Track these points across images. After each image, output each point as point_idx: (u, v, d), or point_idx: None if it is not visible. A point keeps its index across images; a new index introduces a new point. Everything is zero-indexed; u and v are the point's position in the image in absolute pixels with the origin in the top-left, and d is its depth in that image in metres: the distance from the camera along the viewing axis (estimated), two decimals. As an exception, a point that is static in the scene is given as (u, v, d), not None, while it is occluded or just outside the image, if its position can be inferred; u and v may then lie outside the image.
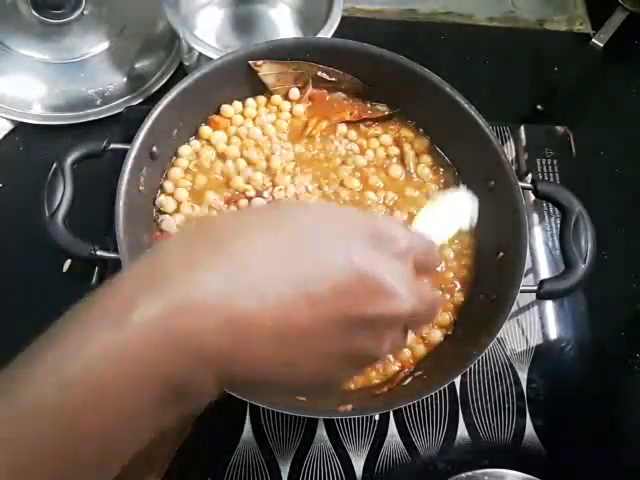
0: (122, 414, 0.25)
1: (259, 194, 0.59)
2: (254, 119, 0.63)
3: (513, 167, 0.57)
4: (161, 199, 0.59)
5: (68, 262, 0.62)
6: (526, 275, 0.64)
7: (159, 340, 0.24)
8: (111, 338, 0.24)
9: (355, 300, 0.27)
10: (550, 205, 0.69)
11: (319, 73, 0.63)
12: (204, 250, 0.26)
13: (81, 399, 0.24)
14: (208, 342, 0.25)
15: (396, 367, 0.54)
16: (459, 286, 0.58)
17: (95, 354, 0.24)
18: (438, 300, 0.32)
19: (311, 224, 0.28)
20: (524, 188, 0.57)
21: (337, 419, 0.57)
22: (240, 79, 0.61)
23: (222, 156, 0.62)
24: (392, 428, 0.58)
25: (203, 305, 0.25)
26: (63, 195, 0.52)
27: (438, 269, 0.33)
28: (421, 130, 0.64)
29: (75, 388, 0.24)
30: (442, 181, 0.63)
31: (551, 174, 0.72)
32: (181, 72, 0.75)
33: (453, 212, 0.51)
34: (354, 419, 0.58)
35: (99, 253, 0.52)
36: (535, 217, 0.70)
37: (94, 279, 0.61)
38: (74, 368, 0.24)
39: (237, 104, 0.63)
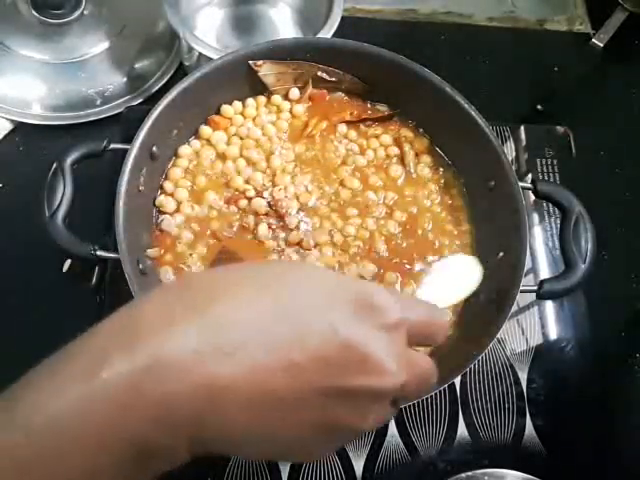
0: (86, 470, 0.24)
1: (259, 194, 0.59)
2: (254, 119, 0.63)
3: (513, 167, 0.57)
4: (161, 199, 0.59)
5: (68, 262, 0.62)
6: (526, 275, 0.64)
7: (126, 400, 0.24)
8: (79, 394, 0.24)
9: (337, 371, 0.26)
10: (550, 205, 0.69)
11: (319, 73, 0.63)
12: (181, 310, 0.26)
13: (46, 450, 0.24)
14: (179, 406, 0.24)
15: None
16: (459, 286, 0.58)
17: (62, 408, 0.24)
18: (431, 374, 0.31)
19: (296, 289, 0.27)
20: (524, 188, 0.57)
21: (337, 419, 0.57)
22: (240, 79, 0.61)
23: (222, 156, 0.62)
24: (392, 428, 0.58)
25: (175, 367, 0.24)
26: (63, 195, 0.52)
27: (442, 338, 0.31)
28: (421, 130, 0.64)
29: (41, 438, 0.24)
30: (442, 181, 0.63)
31: (551, 174, 0.72)
32: (181, 72, 0.75)
33: (457, 278, 0.51)
34: (354, 419, 0.58)
35: (99, 253, 0.52)
36: (535, 217, 0.70)
37: (94, 279, 0.61)
38: (41, 419, 0.24)
39: (237, 104, 0.63)
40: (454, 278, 0.52)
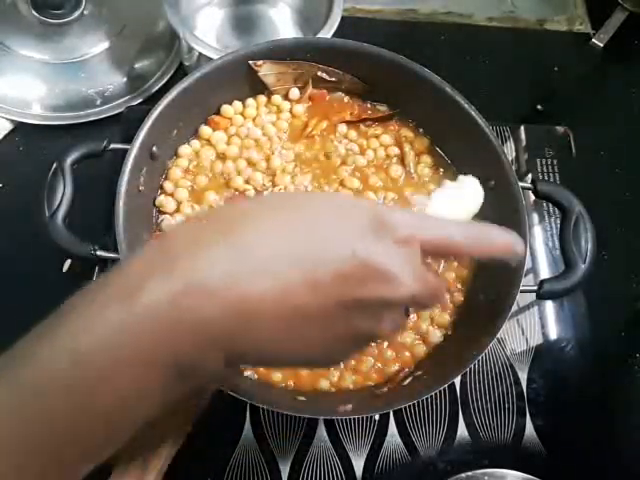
0: (133, 390, 0.26)
1: (259, 194, 0.59)
2: (254, 119, 0.63)
3: (513, 167, 0.57)
4: (161, 199, 0.59)
5: (68, 262, 0.62)
6: (526, 275, 0.64)
7: (166, 321, 0.25)
8: (121, 317, 0.25)
9: (355, 285, 0.28)
10: (550, 205, 0.69)
11: (319, 73, 0.63)
12: (211, 234, 0.27)
13: (95, 374, 0.25)
14: (214, 323, 0.26)
15: (396, 367, 0.55)
16: (459, 286, 0.58)
17: (107, 331, 0.25)
18: (442, 287, 0.33)
19: (316, 212, 0.29)
20: (524, 188, 0.57)
21: (337, 419, 0.57)
22: (240, 79, 0.61)
23: (222, 156, 0.62)
24: (392, 428, 0.58)
25: (209, 288, 0.26)
26: (63, 195, 0.52)
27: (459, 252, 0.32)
28: (421, 130, 0.64)
29: (89, 364, 0.25)
30: (442, 181, 0.62)
31: (551, 174, 0.72)
32: (181, 72, 0.75)
33: (462, 198, 0.51)
34: (354, 419, 0.58)
35: (99, 253, 0.52)
36: (535, 217, 0.70)
37: (94, 279, 0.61)
38: (87, 344, 0.25)
39: (237, 104, 0.63)
40: (458, 200, 0.52)
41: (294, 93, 0.64)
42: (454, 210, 0.49)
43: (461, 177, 0.53)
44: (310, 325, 0.28)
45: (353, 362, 0.54)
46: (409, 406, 0.59)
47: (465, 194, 0.51)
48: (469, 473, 0.56)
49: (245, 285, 0.26)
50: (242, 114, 0.63)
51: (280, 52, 0.61)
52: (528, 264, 0.64)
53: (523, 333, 0.64)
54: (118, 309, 0.25)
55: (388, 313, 0.30)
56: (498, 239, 0.33)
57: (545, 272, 0.67)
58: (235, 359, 0.28)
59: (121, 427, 0.27)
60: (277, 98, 0.64)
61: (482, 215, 0.60)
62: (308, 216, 0.29)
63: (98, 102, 0.72)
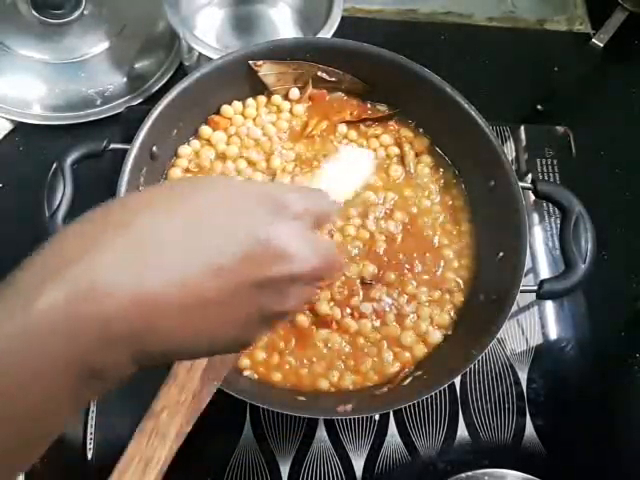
0: (42, 397, 0.25)
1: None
2: (254, 119, 0.63)
3: (513, 167, 0.57)
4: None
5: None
6: (526, 275, 0.64)
7: (66, 327, 0.24)
8: (16, 329, 0.24)
9: (258, 266, 0.28)
10: (550, 205, 0.69)
11: (319, 73, 0.63)
12: (105, 233, 0.27)
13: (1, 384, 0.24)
14: (115, 323, 0.25)
15: (396, 367, 0.55)
16: (459, 286, 0.58)
17: (6, 342, 0.24)
18: (337, 258, 0.35)
19: (213, 199, 0.29)
20: (524, 188, 0.57)
21: (337, 419, 0.57)
22: (240, 79, 0.61)
23: (222, 156, 0.62)
24: (392, 428, 0.58)
25: (106, 287, 0.25)
26: (63, 195, 0.52)
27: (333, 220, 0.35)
28: (421, 130, 0.64)
29: None
30: (442, 181, 0.63)
31: (551, 174, 0.72)
32: (181, 72, 0.75)
33: (352, 168, 0.53)
34: (354, 419, 0.58)
35: (99, 253, 0.52)
36: (535, 217, 0.70)
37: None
38: None
39: (237, 104, 0.63)
40: (349, 170, 0.55)
41: (294, 93, 0.64)
42: (347, 179, 0.52)
43: (349, 148, 0.54)
44: (217, 312, 0.28)
45: (353, 362, 0.54)
46: (409, 406, 0.59)
47: (355, 163, 0.53)
48: (469, 473, 0.56)
49: (143, 281, 0.25)
50: (242, 114, 0.63)
51: (280, 52, 0.61)
52: (528, 264, 0.64)
53: (523, 333, 0.64)
54: (13, 321, 0.24)
55: (293, 289, 0.30)
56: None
57: (545, 272, 0.67)
58: (145, 356, 0.27)
59: (34, 436, 0.26)
60: (277, 98, 0.64)
61: (482, 215, 0.60)
62: (205, 204, 0.29)
63: (98, 102, 0.72)
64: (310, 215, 0.31)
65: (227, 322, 0.29)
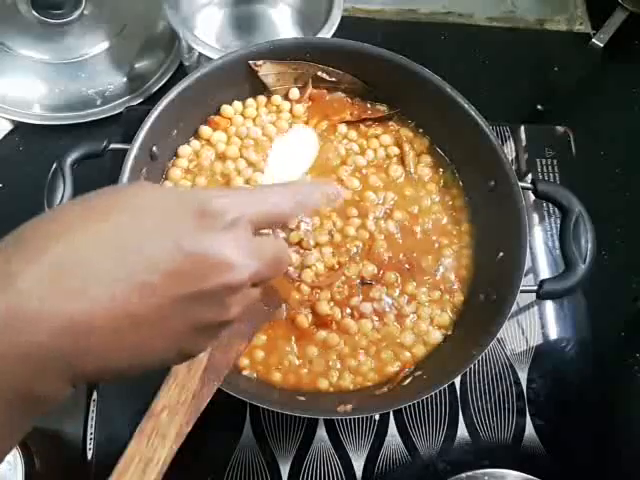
0: None
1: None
2: (254, 119, 0.63)
3: (513, 167, 0.57)
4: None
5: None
6: (526, 275, 0.64)
7: None
8: None
9: (190, 280, 0.27)
10: (550, 205, 0.69)
11: (319, 73, 0.63)
12: (18, 261, 0.26)
13: None
14: (44, 349, 0.25)
15: (396, 367, 0.55)
16: (459, 286, 0.58)
17: None
18: (281, 253, 0.34)
19: (135, 213, 0.28)
20: (524, 188, 0.57)
21: (337, 419, 0.57)
22: (240, 79, 0.61)
23: (222, 156, 0.62)
24: (392, 428, 0.58)
25: (30, 314, 0.24)
26: (63, 195, 0.52)
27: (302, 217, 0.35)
28: (421, 130, 0.64)
29: None
30: (442, 181, 0.63)
31: (551, 174, 0.72)
32: (181, 72, 0.75)
33: (299, 149, 0.55)
34: (354, 419, 0.58)
35: (99, 253, 0.52)
36: (535, 217, 0.70)
37: None
38: None
39: (237, 104, 0.63)
40: (295, 151, 0.55)
41: (294, 93, 0.64)
42: (292, 162, 0.52)
43: (294, 130, 0.56)
44: (150, 328, 0.27)
45: (352, 362, 0.54)
46: (409, 406, 0.59)
47: (300, 146, 0.53)
48: (469, 473, 0.56)
49: (69, 304, 0.25)
50: (242, 114, 0.63)
51: (280, 52, 0.61)
52: (528, 264, 0.64)
53: (523, 333, 0.64)
54: None
55: (234, 297, 0.29)
56: (317, 195, 0.35)
57: (545, 272, 0.67)
58: (81, 377, 0.27)
59: None
60: (277, 98, 0.64)
61: (482, 215, 0.60)
62: (128, 217, 0.28)
63: (98, 102, 0.72)
64: (247, 219, 0.30)
65: (163, 337, 0.28)
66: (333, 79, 0.63)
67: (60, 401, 0.27)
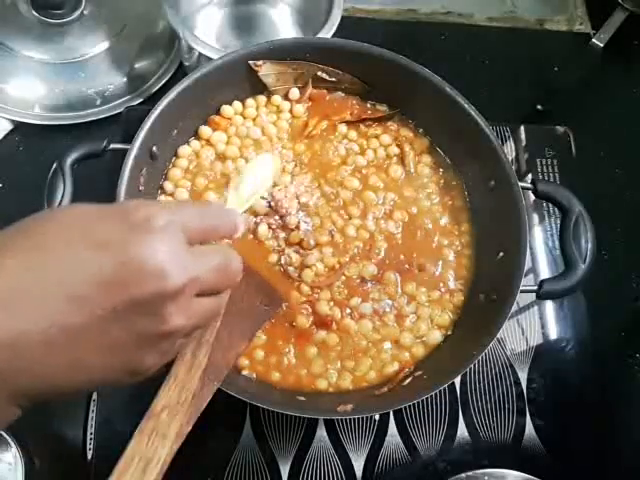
0: None
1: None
2: (254, 119, 0.63)
3: (513, 167, 0.57)
4: (161, 199, 0.59)
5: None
6: (526, 275, 0.64)
7: None
8: None
9: (120, 289, 0.27)
10: (550, 205, 0.69)
11: (319, 73, 0.63)
12: None
13: None
14: None
15: (396, 367, 0.55)
16: (459, 286, 0.58)
17: None
18: (226, 260, 0.32)
19: (59, 233, 0.28)
20: (524, 188, 0.57)
21: (337, 419, 0.57)
22: (240, 79, 0.61)
23: (222, 156, 0.62)
24: (392, 428, 0.58)
25: None
26: (63, 195, 0.52)
27: (240, 232, 0.35)
28: (421, 130, 0.64)
29: None
30: (442, 181, 0.63)
31: (551, 174, 0.72)
32: (181, 72, 0.76)
33: (258, 175, 0.57)
34: (354, 419, 0.58)
35: (99, 253, 0.52)
36: (535, 217, 0.70)
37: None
38: None
39: (237, 104, 0.63)
40: (256, 176, 0.57)
41: (294, 93, 0.64)
42: (250, 190, 0.54)
43: (256, 159, 0.59)
44: (86, 342, 0.27)
45: (352, 362, 0.54)
46: (409, 406, 0.59)
47: (259, 172, 0.57)
48: (469, 473, 0.56)
49: (4, 325, 0.25)
50: (242, 114, 0.63)
51: (280, 52, 0.61)
52: (528, 264, 0.64)
53: (523, 333, 0.64)
54: None
55: (169, 305, 0.28)
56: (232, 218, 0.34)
57: (545, 272, 0.67)
58: (24, 398, 0.27)
59: None
60: (277, 98, 0.64)
61: (482, 215, 0.60)
62: (52, 237, 0.27)
63: (98, 102, 0.72)
64: (177, 225, 0.29)
65: (102, 350, 0.28)
66: (333, 79, 0.63)
67: (7, 423, 0.27)
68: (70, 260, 0.27)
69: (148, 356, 0.30)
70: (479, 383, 0.61)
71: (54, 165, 0.53)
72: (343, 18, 0.69)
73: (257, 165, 0.59)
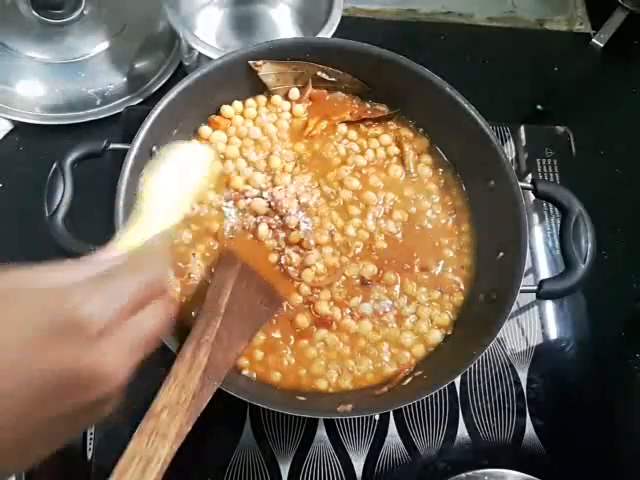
0: None
1: (259, 194, 0.59)
2: (254, 119, 0.63)
3: (513, 167, 0.57)
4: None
5: (68, 262, 0.62)
6: (526, 275, 0.64)
7: None
8: None
9: (54, 401, 0.27)
10: (550, 205, 0.69)
11: (319, 73, 0.63)
12: None
13: None
14: None
15: (395, 367, 0.54)
16: (459, 286, 0.58)
17: None
18: (153, 327, 0.32)
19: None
20: (524, 188, 0.57)
21: (337, 419, 0.57)
22: (240, 79, 0.61)
23: (222, 156, 0.62)
24: (392, 428, 0.58)
25: None
26: (63, 195, 0.52)
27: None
28: (421, 130, 0.64)
29: None
30: (442, 181, 0.63)
31: (551, 174, 0.72)
32: (181, 72, 0.76)
33: (189, 167, 0.50)
34: (354, 419, 0.58)
35: (99, 253, 0.52)
36: (535, 217, 0.70)
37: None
38: None
39: (237, 104, 0.63)
40: (186, 167, 0.50)
41: (294, 93, 0.64)
42: (182, 185, 0.48)
43: (184, 146, 0.55)
44: (23, 443, 0.27)
45: (352, 363, 0.54)
46: (409, 406, 0.59)
47: (191, 164, 0.50)
48: (469, 473, 0.56)
49: None
50: (242, 114, 0.63)
51: (280, 52, 0.61)
52: (528, 264, 0.64)
53: (523, 333, 0.64)
54: None
55: (106, 401, 0.29)
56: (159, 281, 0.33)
57: (545, 272, 0.67)
58: None
59: None
60: (277, 98, 0.64)
61: (482, 215, 0.60)
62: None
63: (98, 102, 0.72)
64: (121, 317, 0.29)
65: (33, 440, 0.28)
66: (333, 79, 0.63)
67: None
68: (6, 364, 0.26)
69: (82, 425, 0.31)
70: (479, 383, 0.61)
71: (54, 165, 0.53)
72: (343, 18, 0.69)
73: (185, 156, 0.51)
